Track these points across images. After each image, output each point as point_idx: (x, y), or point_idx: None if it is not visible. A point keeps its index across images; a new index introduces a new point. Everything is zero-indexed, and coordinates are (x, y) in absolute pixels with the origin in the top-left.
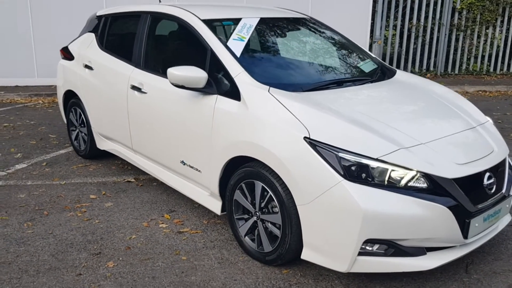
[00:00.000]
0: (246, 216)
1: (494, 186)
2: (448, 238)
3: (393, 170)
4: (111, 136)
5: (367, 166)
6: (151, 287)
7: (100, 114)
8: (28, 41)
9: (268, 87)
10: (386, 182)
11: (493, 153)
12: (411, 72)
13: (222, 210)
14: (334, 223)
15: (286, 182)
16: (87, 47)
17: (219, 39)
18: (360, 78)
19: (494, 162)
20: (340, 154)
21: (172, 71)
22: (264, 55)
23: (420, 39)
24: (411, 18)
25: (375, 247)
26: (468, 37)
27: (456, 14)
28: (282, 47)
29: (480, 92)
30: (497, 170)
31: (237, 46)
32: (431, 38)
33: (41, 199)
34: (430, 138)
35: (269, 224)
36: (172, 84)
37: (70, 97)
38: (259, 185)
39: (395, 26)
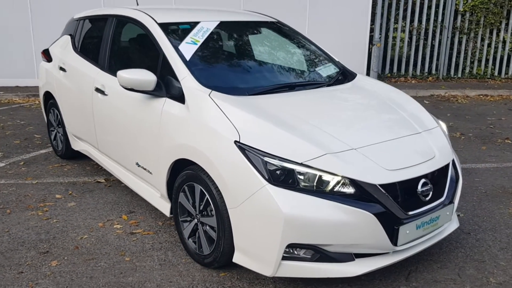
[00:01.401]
0: (189, 219)
1: (431, 193)
2: (376, 245)
3: (320, 176)
4: (82, 137)
5: (292, 170)
6: (86, 287)
7: (72, 115)
8: (28, 42)
9: (210, 90)
10: (313, 187)
11: (433, 159)
12: (412, 75)
13: (171, 212)
14: (260, 227)
15: (218, 186)
16: (63, 49)
17: (172, 42)
18: (314, 82)
19: (431, 169)
20: (266, 159)
21: (121, 74)
22: (217, 58)
23: (421, 42)
24: (412, 21)
25: (302, 252)
26: (472, 40)
27: (459, 17)
28: (238, 50)
29: (481, 96)
30: (439, 177)
31: (188, 50)
32: (433, 41)
33: (8, 198)
34: (363, 144)
35: (208, 227)
36: (122, 86)
37: (49, 98)
38: (198, 188)
39: (395, 28)
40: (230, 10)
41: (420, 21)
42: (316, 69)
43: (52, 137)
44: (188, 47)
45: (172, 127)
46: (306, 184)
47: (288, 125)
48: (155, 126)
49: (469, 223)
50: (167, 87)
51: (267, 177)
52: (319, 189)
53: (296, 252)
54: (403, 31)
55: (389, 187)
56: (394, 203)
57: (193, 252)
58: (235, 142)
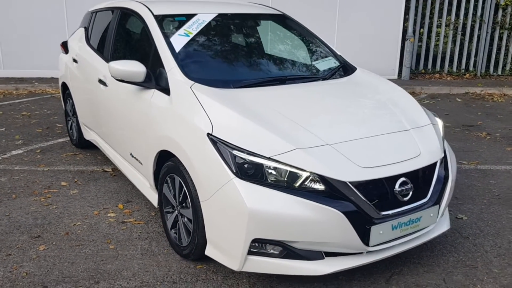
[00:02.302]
0: (171, 210)
1: (411, 193)
2: (345, 244)
3: (289, 171)
4: (90, 127)
5: (261, 165)
6: (65, 272)
7: (82, 105)
8: (63, 34)
9: (193, 82)
10: (282, 183)
11: (417, 158)
12: (448, 72)
13: (159, 203)
14: (227, 220)
15: (192, 178)
16: (78, 41)
17: (164, 34)
18: (307, 76)
19: (413, 167)
20: (234, 152)
21: (112, 65)
22: (207, 51)
23: (459, 37)
24: (449, 15)
25: (271, 247)
26: None
27: (500, 11)
28: (231, 43)
29: None
30: (422, 176)
31: (179, 42)
32: (471, 36)
33: (17, 183)
34: (340, 139)
35: (186, 218)
36: (113, 77)
37: (66, 88)
38: (177, 179)
39: (431, 23)
40: (234, 2)
41: (457, 15)
42: (313, 62)
43: (69, 126)
44: (180, 39)
45: (158, 119)
46: (275, 179)
47: (263, 119)
48: (144, 117)
49: (470, 227)
50: (156, 78)
51: (234, 171)
52: (288, 185)
53: (265, 248)
54: (439, 25)
55: (361, 185)
56: (366, 201)
57: (174, 243)
58: (208, 134)
